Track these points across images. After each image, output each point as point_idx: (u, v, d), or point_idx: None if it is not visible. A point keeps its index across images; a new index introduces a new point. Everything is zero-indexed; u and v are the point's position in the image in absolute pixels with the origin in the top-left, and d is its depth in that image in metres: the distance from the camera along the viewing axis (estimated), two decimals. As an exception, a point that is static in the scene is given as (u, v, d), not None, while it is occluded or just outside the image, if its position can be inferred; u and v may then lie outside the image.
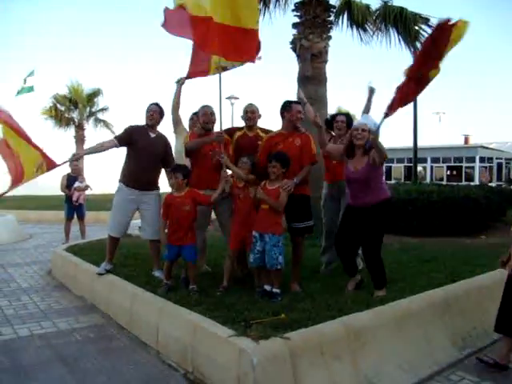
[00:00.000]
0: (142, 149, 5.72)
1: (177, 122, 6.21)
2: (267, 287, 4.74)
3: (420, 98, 12.61)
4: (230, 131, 5.69)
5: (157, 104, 5.88)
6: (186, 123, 6.33)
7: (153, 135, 5.84)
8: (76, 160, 5.87)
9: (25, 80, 13.96)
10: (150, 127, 5.84)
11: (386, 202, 4.86)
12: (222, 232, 5.76)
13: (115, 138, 5.90)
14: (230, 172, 5.28)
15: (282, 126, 5.30)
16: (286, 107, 5.20)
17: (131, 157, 5.83)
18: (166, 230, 5.15)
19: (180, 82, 5.93)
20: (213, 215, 5.75)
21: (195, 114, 6.11)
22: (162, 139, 5.93)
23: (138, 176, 5.73)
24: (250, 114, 5.51)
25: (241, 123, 5.73)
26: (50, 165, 5.61)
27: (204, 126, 5.50)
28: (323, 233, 6.08)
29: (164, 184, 6.02)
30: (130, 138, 5.76)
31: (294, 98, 9.87)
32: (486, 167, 35.93)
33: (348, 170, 4.90)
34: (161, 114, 5.88)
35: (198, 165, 5.45)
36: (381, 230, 4.90)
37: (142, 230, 6.04)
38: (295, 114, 5.13)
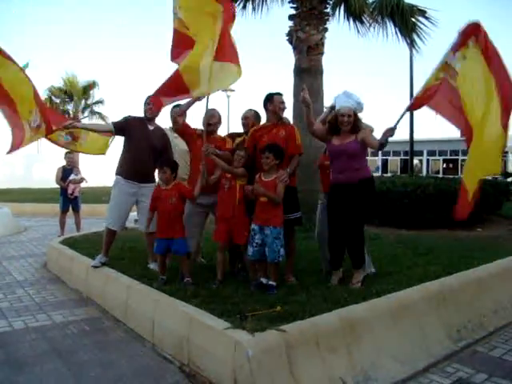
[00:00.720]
0: (140, 140, 5.70)
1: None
2: (263, 280, 4.74)
3: (417, 90, 12.52)
4: (232, 136, 5.75)
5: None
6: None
7: (151, 127, 5.82)
8: (70, 128, 5.80)
9: None
10: (148, 120, 5.82)
11: (370, 180, 4.97)
12: None
13: (113, 123, 5.88)
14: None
15: (267, 118, 5.36)
16: (269, 99, 5.25)
17: (129, 149, 5.81)
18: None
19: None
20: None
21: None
22: (160, 132, 5.92)
23: (136, 168, 5.72)
24: (244, 119, 5.63)
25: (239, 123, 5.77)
26: (48, 128, 5.70)
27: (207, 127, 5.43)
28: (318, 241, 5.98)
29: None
30: (127, 128, 5.74)
31: (291, 91, 9.97)
32: None
33: (332, 144, 4.94)
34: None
35: (194, 168, 5.47)
36: (366, 207, 4.96)
37: (140, 222, 6.02)
38: (278, 105, 5.21)
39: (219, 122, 5.60)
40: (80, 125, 6.23)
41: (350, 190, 4.81)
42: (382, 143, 4.78)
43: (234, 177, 5.00)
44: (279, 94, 5.32)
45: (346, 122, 4.79)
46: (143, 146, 5.69)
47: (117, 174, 5.84)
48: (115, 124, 5.83)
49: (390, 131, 4.68)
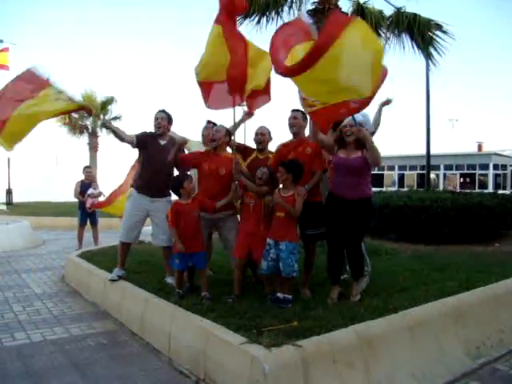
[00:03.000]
0: (152, 156, 5.74)
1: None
2: (280, 295, 4.74)
3: (433, 104, 12.51)
4: (246, 151, 5.72)
5: (164, 111, 5.86)
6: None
7: (163, 142, 5.82)
8: (106, 127, 5.86)
9: None
10: (160, 135, 5.83)
11: (369, 199, 4.96)
12: (226, 249, 5.67)
13: (136, 136, 5.85)
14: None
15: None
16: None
17: (143, 164, 5.87)
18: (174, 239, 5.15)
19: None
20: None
21: (209, 122, 6.18)
22: (173, 145, 5.80)
23: (148, 183, 5.76)
24: (261, 136, 5.55)
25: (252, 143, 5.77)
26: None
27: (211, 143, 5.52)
28: None
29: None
30: (144, 143, 5.78)
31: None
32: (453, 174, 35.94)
33: (338, 157, 4.94)
34: (169, 120, 5.88)
35: (202, 183, 5.49)
36: (366, 223, 5.02)
37: (154, 237, 6.02)
38: (288, 121, 5.32)
39: (225, 137, 5.46)
40: (113, 127, 6.15)
41: (350, 206, 4.81)
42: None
43: (258, 195, 5.04)
44: (293, 111, 5.35)
45: (349, 132, 4.81)
46: (156, 162, 5.71)
47: (132, 186, 5.90)
48: (137, 136, 5.83)
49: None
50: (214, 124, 5.91)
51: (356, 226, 4.87)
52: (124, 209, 6.32)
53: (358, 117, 4.76)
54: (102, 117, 7.00)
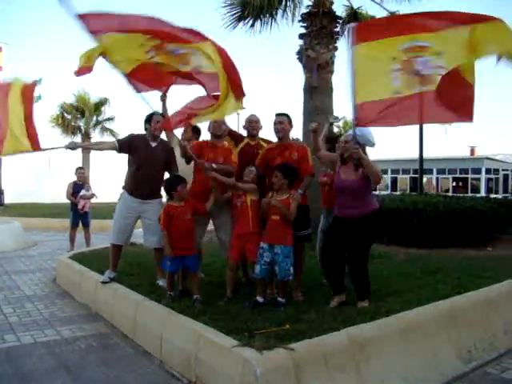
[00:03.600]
0: (143, 159, 5.67)
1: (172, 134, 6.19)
2: (260, 298, 4.77)
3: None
4: (237, 138, 5.75)
5: (161, 114, 5.74)
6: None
7: (154, 144, 5.77)
8: (72, 149, 5.65)
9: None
10: (152, 137, 5.77)
11: (374, 213, 4.85)
12: (221, 249, 5.62)
13: (117, 140, 5.85)
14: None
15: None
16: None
17: (132, 166, 5.79)
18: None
19: (162, 99, 5.71)
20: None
21: None
22: (164, 146, 5.84)
23: (139, 186, 5.69)
24: (255, 123, 5.61)
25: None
26: (35, 145, 5.50)
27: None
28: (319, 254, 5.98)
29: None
30: (131, 146, 5.71)
31: (300, 109, 10.04)
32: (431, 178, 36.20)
33: (338, 178, 4.90)
34: None
35: (197, 175, 5.46)
36: (369, 241, 4.91)
37: (145, 238, 5.97)
38: (274, 125, 5.30)
39: (227, 129, 5.58)
40: (83, 144, 6.17)
41: (352, 224, 4.75)
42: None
43: (244, 193, 5.02)
44: (278, 115, 5.35)
45: (343, 149, 4.84)
46: (147, 165, 5.66)
47: (123, 187, 5.85)
48: (119, 142, 5.81)
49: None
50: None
51: (358, 243, 4.78)
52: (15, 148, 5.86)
53: (356, 132, 4.70)
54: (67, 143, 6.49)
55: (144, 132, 5.85)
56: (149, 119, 5.73)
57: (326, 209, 5.78)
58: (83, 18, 4.41)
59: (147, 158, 5.67)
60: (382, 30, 4.61)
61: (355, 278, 4.84)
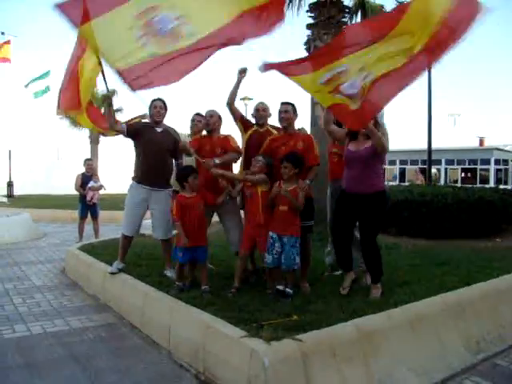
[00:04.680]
0: (149, 144, 5.71)
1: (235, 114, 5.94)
2: (280, 287, 4.74)
3: (435, 99, 12.47)
4: (247, 125, 5.75)
5: (161, 99, 5.86)
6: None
7: (159, 130, 5.83)
8: (108, 104, 5.74)
9: (35, 79, 14.06)
10: (155, 123, 5.83)
11: (383, 192, 4.86)
12: (227, 238, 5.75)
13: (126, 124, 5.88)
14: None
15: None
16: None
17: (139, 154, 5.83)
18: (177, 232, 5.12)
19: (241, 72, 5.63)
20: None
21: (197, 114, 6.24)
22: (170, 133, 5.90)
23: (146, 172, 5.72)
24: (262, 111, 5.61)
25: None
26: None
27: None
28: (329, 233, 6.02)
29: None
30: (137, 132, 5.77)
31: (308, 100, 9.98)
32: (439, 169, 35.92)
33: (348, 150, 4.89)
34: (166, 108, 5.89)
35: (200, 169, 5.42)
36: (380, 219, 4.91)
37: (153, 229, 5.99)
38: (279, 114, 5.27)
39: (218, 120, 5.61)
40: (109, 109, 6.14)
41: (363, 201, 4.73)
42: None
43: (253, 184, 5.02)
44: (283, 104, 5.31)
45: None
46: (153, 151, 5.69)
47: (132, 178, 5.88)
48: (128, 125, 5.87)
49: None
50: (202, 116, 5.92)
51: (370, 221, 4.79)
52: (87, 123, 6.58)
53: None
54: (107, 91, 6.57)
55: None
56: (150, 106, 5.81)
57: (334, 180, 5.74)
58: (63, 7, 4.30)
59: (151, 141, 5.71)
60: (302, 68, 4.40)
61: (369, 258, 4.86)
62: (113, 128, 5.68)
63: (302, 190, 4.76)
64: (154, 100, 5.82)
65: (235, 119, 5.76)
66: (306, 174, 5.04)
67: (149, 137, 5.74)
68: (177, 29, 4.59)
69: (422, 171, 31.64)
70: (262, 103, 5.66)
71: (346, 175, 4.95)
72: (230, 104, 5.65)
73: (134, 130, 5.80)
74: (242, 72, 5.57)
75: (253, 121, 5.75)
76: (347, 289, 4.88)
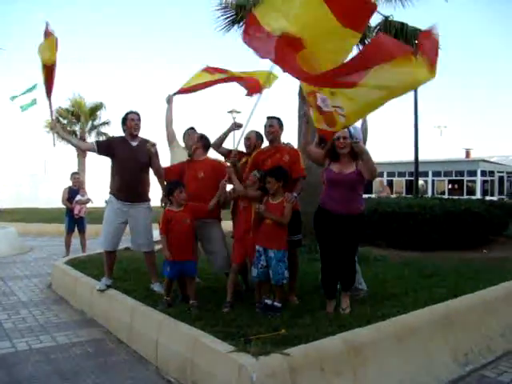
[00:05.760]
0: (124, 160, 5.62)
1: (171, 136, 6.26)
2: (268, 301, 4.72)
3: (421, 111, 12.60)
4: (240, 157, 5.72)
5: (137, 112, 5.77)
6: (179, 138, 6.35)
7: (134, 144, 5.71)
8: (52, 128, 5.84)
9: (22, 93, 13.99)
10: (131, 136, 5.71)
11: (363, 214, 4.89)
12: (212, 263, 5.68)
13: (96, 142, 5.87)
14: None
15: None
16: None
17: (115, 169, 5.76)
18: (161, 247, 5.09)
19: (169, 100, 6.02)
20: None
21: (191, 128, 6.17)
22: (145, 145, 5.70)
23: (123, 188, 5.65)
24: (247, 141, 5.63)
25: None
26: None
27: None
28: None
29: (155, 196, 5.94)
30: (110, 148, 5.71)
31: (295, 113, 10.05)
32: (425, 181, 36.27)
33: (330, 171, 4.79)
34: (140, 120, 5.78)
35: (189, 185, 5.36)
36: (359, 237, 4.94)
37: (133, 242, 5.91)
38: (264, 129, 5.36)
39: (198, 142, 5.58)
40: (64, 134, 6.22)
41: (341, 221, 4.69)
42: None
43: (249, 199, 5.02)
44: (269, 118, 5.36)
45: (342, 144, 4.63)
46: (129, 166, 5.60)
47: (109, 192, 5.82)
48: (98, 143, 5.82)
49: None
50: (195, 130, 5.99)
51: (350, 241, 4.77)
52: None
53: (350, 129, 4.58)
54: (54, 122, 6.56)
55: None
56: (124, 119, 5.71)
57: None
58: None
59: (128, 158, 5.61)
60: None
61: (346, 271, 4.82)
62: (81, 148, 5.71)
63: (289, 202, 4.76)
64: (130, 112, 5.72)
65: (224, 157, 5.70)
66: (293, 186, 5.05)
67: (123, 153, 5.64)
68: None
69: (390, 184, 31.72)
70: (250, 132, 5.62)
71: (329, 195, 4.84)
72: (217, 148, 5.65)
73: (107, 146, 5.74)
74: (236, 126, 5.57)
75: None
76: (332, 314, 4.75)
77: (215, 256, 5.47)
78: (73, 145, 5.68)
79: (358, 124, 5.02)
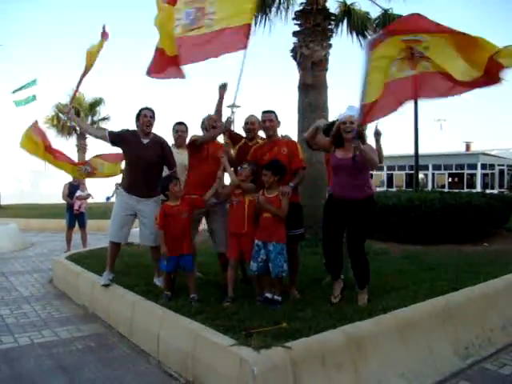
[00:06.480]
0: (136, 157, 5.61)
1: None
2: (268, 295, 4.74)
3: (421, 104, 12.58)
4: (235, 139, 5.77)
5: (151, 109, 5.73)
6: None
7: (146, 141, 5.66)
8: (67, 113, 6.25)
9: (21, 88, 13.96)
10: (143, 133, 5.67)
11: (372, 197, 4.90)
12: (212, 240, 5.77)
13: (108, 132, 5.79)
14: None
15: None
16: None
17: (128, 164, 5.79)
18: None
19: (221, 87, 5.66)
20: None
21: (179, 123, 6.30)
22: (158, 142, 5.71)
23: (135, 184, 5.65)
24: (250, 125, 5.61)
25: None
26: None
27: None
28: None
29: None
30: (123, 142, 5.69)
31: (295, 106, 10.04)
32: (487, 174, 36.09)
33: (335, 157, 4.83)
34: (155, 117, 5.75)
35: (196, 169, 5.49)
36: (369, 224, 4.92)
37: (141, 236, 5.90)
38: (263, 123, 5.34)
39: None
40: (77, 120, 6.27)
41: (352, 207, 4.72)
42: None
43: (242, 192, 5.02)
44: (265, 112, 5.35)
45: (349, 128, 4.64)
46: (137, 162, 5.59)
47: (120, 185, 5.86)
48: (110, 133, 5.73)
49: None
50: (184, 124, 6.17)
51: (360, 227, 4.77)
52: (115, 171, 6.62)
53: (355, 113, 4.60)
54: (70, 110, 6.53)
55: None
56: (138, 115, 5.67)
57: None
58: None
59: (139, 155, 5.59)
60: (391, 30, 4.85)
61: (357, 264, 4.84)
62: (96, 136, 5.74)
63: (284, 195, 4.76)
64: (144, 109, 5.68)
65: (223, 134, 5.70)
66: (293, 177, 5.07)
67: (135, 151, 5.62)
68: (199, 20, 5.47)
69: (410, 177, 31.80)
70: (251, 117, 5.64)
71: (334, 182, 4.93)
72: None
73: (119, 138, 5.70)
74: (223, 87, 5.53)
75: (243, 133, 5.76)
76: (338, 297, 4.87)
77: (220, 233, 5.49)
78: (88, 133, 5.70)
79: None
